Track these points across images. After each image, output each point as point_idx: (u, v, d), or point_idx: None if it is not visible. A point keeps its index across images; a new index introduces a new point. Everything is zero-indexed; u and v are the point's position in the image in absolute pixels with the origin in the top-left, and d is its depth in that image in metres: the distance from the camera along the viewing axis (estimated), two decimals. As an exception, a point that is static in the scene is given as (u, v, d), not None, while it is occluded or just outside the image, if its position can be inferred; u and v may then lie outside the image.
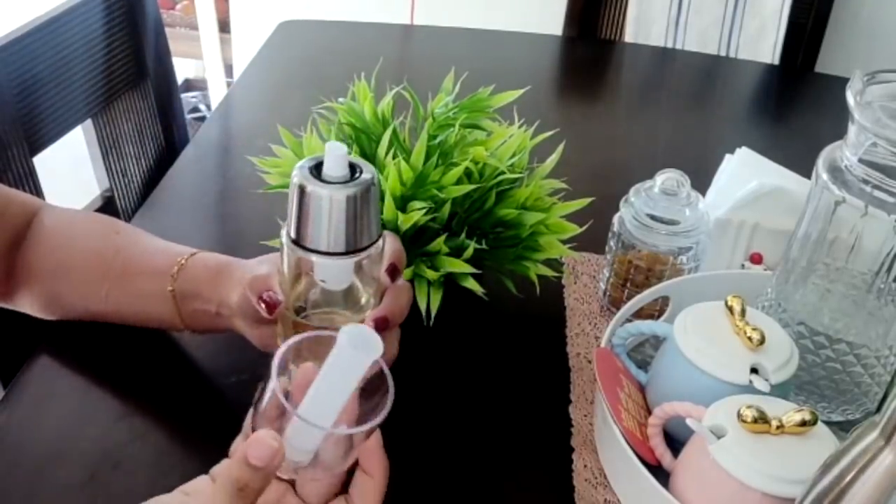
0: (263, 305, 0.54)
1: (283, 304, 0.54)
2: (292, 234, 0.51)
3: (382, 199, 0.66)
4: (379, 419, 0.41)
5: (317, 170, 0.50)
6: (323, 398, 0.42)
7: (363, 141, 0.72)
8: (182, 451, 0.62)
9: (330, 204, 0.49)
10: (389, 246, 0.56)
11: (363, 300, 0.55)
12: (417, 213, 0.66)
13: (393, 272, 0.56)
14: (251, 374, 0.66)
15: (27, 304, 0.68)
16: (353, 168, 0.50)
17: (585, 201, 0.73)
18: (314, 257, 0.50)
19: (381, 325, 0.54)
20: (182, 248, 0.65)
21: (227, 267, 0.61)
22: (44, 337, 0.69)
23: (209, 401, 0.66)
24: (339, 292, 0.54)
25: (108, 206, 1.07)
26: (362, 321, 0.54)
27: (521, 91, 0.76)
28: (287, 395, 0.42)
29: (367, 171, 0.50)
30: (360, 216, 0.50)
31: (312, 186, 0.49)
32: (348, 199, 0.49)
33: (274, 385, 0.41)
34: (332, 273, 0.52)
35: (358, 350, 0.40)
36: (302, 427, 0.41)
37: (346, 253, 0.50)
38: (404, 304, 0.57)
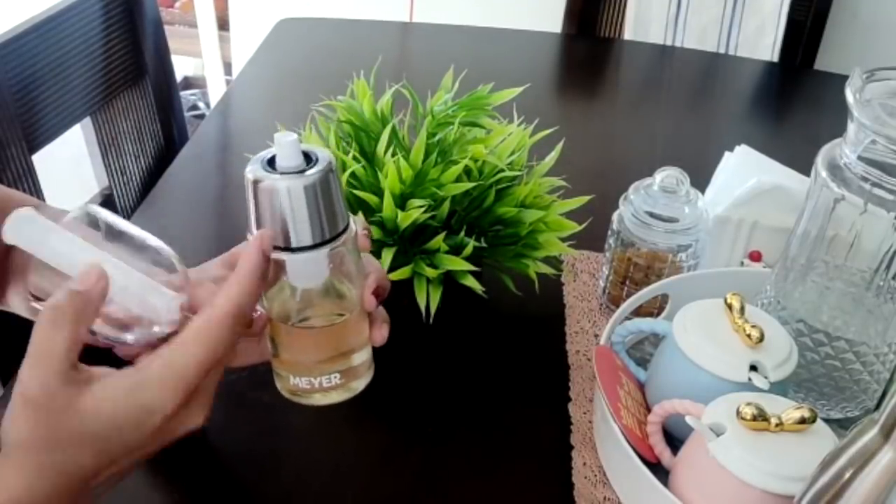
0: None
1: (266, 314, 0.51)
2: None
3: (378, 192, 0.66)
4: None
5: (270, 164, 0.47)
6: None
7: (362, 139, 0.72)
8: (176, 449, 0.62)
9: (289, 196, 0.46)
10: (373, 268, 0.53)
11: (347, 294, 0.52)
12: (417, 211, 0.66)
13: (378, 295, 0.53)
14: (250, 371, 0.66)
15: (22, 306, 0.68)
16: (307, 157, 0.47)
17: (584, 199, 0.73)
18: (283, 255, 0.47)
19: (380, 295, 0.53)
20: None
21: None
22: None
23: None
24: (318, 290, 0.50)
25: (107, 204, 1.07)
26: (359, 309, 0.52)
27: (521, 89, 0.76)
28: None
29: (323, 158, 0.47)
30: (323, 205, 0.47)
31: (267, 180, 0.46)
32: (307, 189, 0.46)
33: None
34: (306, 270, 0.49)
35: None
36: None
37: (315, 246, 0.47)
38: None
